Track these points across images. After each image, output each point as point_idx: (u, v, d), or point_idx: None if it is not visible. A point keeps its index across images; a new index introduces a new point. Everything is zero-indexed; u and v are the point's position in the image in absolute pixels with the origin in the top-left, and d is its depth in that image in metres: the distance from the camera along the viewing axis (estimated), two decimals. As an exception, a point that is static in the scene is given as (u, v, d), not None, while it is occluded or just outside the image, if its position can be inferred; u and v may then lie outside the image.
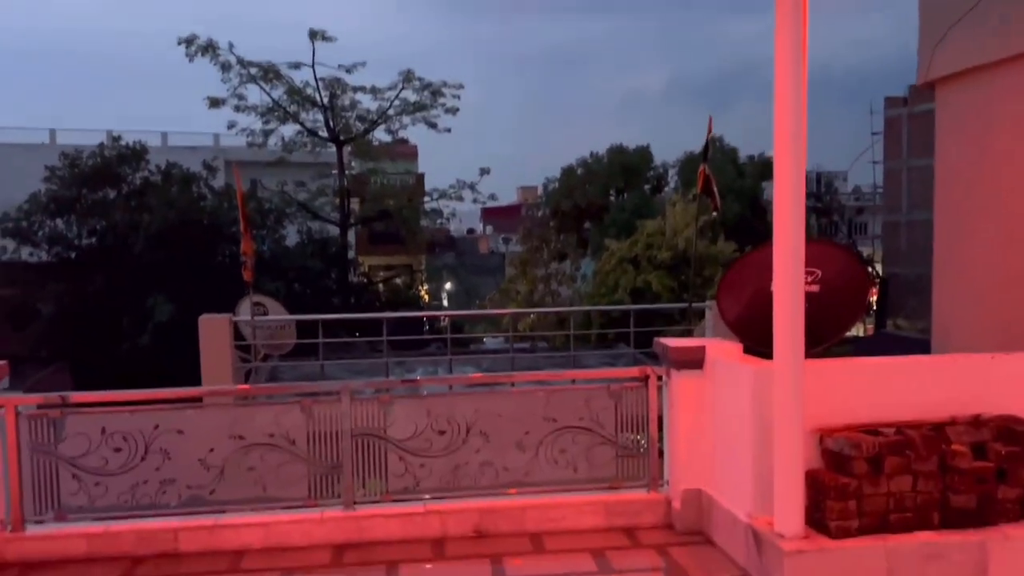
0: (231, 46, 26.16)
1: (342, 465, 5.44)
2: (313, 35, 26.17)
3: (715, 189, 11.95)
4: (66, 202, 24.42)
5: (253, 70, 26.72)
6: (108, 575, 4.98)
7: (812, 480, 4.55)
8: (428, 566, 5.10)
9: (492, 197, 31.09)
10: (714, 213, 14.94)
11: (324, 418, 5.47)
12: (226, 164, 30.48)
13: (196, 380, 11.65)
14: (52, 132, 36.28)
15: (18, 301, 23.10)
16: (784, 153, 4.30)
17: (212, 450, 5.37)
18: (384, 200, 29.25)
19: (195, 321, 12.22)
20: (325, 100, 27.57)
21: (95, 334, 22.30)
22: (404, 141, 31.86)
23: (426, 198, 30.95)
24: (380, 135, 29.31)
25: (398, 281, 32.08)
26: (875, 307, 30.71)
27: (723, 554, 5.09)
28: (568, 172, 38.63)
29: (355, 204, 29.41)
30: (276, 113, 27.56)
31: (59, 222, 24.60)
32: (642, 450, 5.69)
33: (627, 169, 37.56)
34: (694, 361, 5.45)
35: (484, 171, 29.41)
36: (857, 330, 30.23)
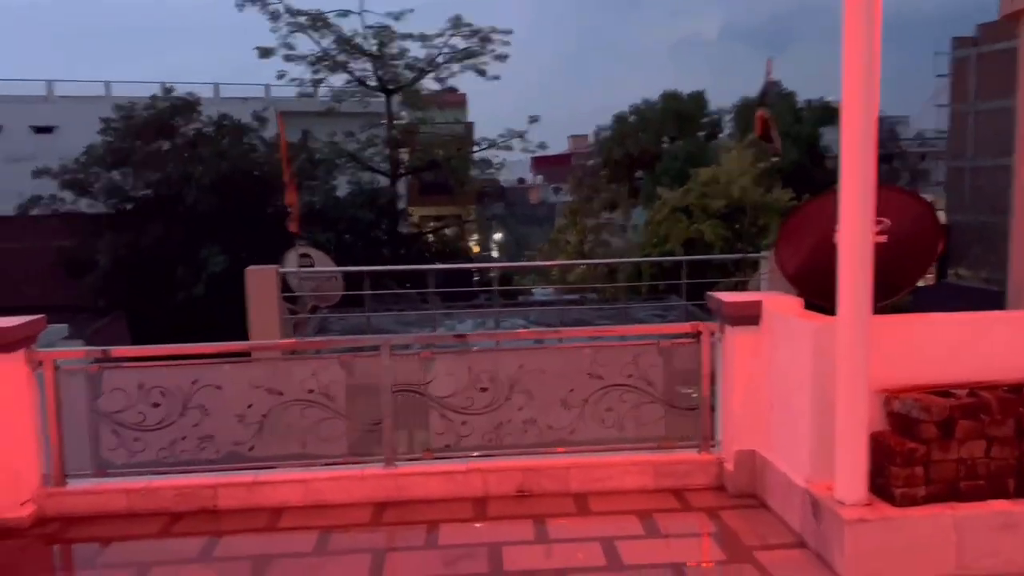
0: (280, -7, 26.06)
1: (382, 421, 5.31)
2: (360, -19, 25.96)
3: (774, 133, 11.45)
4: (121, 154, 24.66)
5: (302, 19, 26.61)
6: (147, 530, 4.94)
7: (876, 444, 4.26)
8: (471, 526, 4.96)
9: (542, 146, 30.75)
10: (774, 158, 14.39)
11: (364, 373, 5.33)
12: (277, 116, 30.48)
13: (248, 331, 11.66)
14: (107, 84, 36.59)
15: (77, 251, 23.50)
16: (854, 94, 3.94)
17: (250, 406, 5.28)
18: (433, 150, 29.05)
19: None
20: (373, 48, 27.32)
21: (150, 284, 22.60)
22: (453, 89, 31.57)
23: (475, 147, 30.66)
24: (429, 83, 29.11)
25: (447, 232, 31.99)
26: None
27: (777, 519, 4.85)
28: (620, 119, 37.83)
29: (404, 154, 29.27)
30: (325, 62, 27.45)
31: (115, 174, 24.88)
32: (694, 409, 5.45)
33: (680, 116, 36.60)
34: (750, 316, 5.18)
35: (533, 119, 29.07)
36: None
